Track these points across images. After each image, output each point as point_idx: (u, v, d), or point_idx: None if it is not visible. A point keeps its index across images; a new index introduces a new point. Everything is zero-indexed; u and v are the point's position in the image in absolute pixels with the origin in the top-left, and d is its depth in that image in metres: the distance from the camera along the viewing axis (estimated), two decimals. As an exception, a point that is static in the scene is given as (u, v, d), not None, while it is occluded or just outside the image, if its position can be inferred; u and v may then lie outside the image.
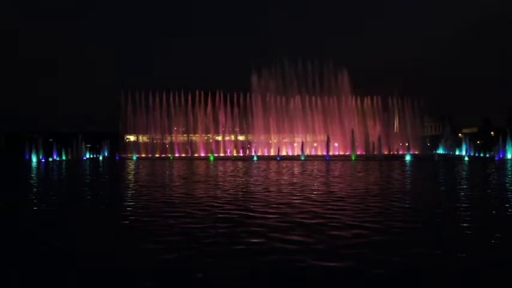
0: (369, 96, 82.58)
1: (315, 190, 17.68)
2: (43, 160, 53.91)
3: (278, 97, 77.66)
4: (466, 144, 64.54)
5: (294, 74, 77.05)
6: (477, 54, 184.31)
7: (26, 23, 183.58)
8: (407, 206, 13.07)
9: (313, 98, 78.02)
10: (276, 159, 56.51)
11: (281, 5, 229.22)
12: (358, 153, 62.82)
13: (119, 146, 72.20)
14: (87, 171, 33.65)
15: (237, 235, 8.84)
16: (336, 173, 28.16)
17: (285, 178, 24.12)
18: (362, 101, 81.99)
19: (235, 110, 79.22)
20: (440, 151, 74.01)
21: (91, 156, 69.33)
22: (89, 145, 70.18)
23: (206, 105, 79.83)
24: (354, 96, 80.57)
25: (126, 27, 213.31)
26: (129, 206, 13.77)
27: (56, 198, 16.06)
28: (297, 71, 77.11)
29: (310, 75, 77.46)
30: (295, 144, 75.68)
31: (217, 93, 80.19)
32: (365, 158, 56.04)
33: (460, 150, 66.13)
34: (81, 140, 65.79)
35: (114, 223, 10.78)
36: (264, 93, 77.17)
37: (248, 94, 78.84)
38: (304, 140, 66.42)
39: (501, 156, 52.77)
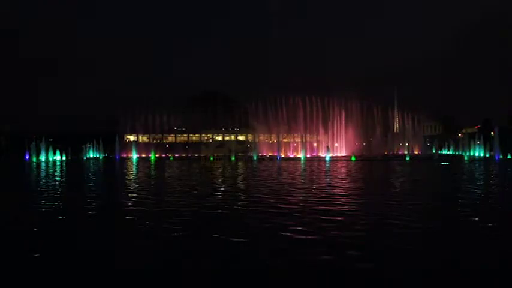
0: (368, 101, 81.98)
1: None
2: (43, 160, 53.92)
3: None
4: (466, 144, 64.59)
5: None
6: (477, 54, 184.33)
7: (26, 23, 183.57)
8: None
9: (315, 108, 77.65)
10: (276, 158, 56.82)
11: (281, 5, 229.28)
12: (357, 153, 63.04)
13: (120, 146, 72.17)
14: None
15: None
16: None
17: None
18: (362, 103, 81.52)
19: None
20: (444, 151, 74.05)
21: (91, 156, 69.36)
22: (89, 145, 70.21)
23: None
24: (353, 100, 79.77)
25: (126, 27, 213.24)
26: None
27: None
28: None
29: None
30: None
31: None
32: (364, 159, 56.09)
33: (463, 150, 66.19)
34: (81, 140, 65.95)
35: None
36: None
37: None
38: (305, 140, 66.39)
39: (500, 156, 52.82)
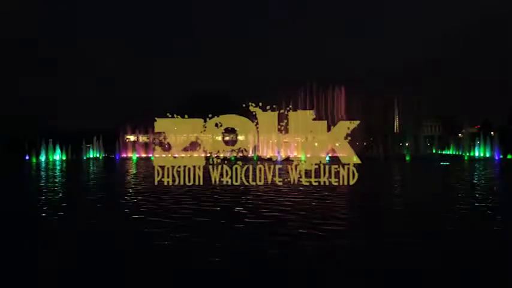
0: (368, 101, 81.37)
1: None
2: (43, 160, 53.87)
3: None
4: (466, 144, 64.56)
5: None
6: (477, 54, 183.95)
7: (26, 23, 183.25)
8: None
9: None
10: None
11: (281, 5, 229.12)
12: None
13: (120, 146, 72.04)
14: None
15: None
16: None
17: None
18: (362, 103, 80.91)
19: None
20: (445, 151, 73.94)
21: (91, 156, 69.29)
22: (89, 145, 70.10)
23: None
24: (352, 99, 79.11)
25: (126, 27, 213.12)
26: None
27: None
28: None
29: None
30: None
31: None
32: (364, 159, 56.00)
33: (463, 150, 66.11)
34: (81, 140, 65.94)
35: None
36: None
37: None
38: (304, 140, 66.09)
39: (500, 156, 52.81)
